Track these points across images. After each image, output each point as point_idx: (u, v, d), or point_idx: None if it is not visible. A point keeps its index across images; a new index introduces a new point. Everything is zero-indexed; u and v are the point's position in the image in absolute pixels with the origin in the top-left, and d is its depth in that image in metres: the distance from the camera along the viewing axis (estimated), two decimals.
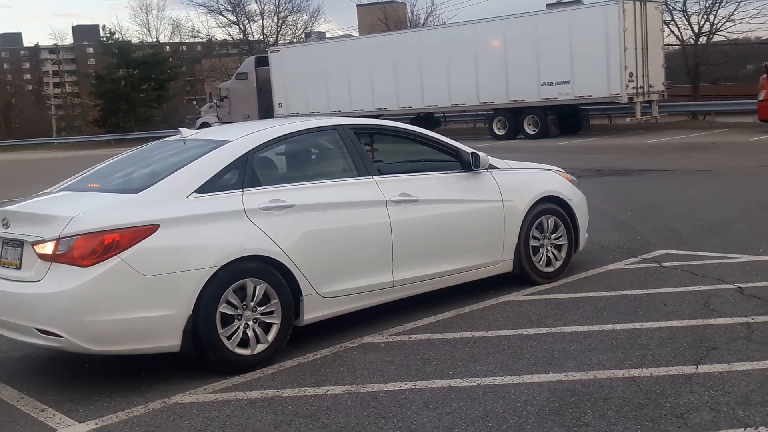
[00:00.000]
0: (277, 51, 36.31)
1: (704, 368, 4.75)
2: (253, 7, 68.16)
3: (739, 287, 6.50)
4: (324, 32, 57.90)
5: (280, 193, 5.56)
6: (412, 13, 59.82)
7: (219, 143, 5.73)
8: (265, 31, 58.12)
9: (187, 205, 5.17)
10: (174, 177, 5.32)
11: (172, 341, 4.96)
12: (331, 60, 33.27)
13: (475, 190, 6.71)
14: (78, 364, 5.47)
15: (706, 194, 12.23)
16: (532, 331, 5.74)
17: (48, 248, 4.85)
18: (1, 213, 5.32)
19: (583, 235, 7.56)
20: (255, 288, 5.25)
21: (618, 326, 5.71)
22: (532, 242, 7.03)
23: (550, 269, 7.18)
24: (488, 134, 29.93)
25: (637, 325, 5.70)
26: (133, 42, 60.10)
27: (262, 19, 57.66)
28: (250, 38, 57.40)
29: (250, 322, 5.23)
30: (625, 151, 20.85)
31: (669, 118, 29.61)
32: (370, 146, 7.13)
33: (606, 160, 18.51)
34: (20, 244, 5.09)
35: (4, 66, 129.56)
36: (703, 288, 6.57)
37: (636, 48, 25.98)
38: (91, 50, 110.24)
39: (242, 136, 5.81)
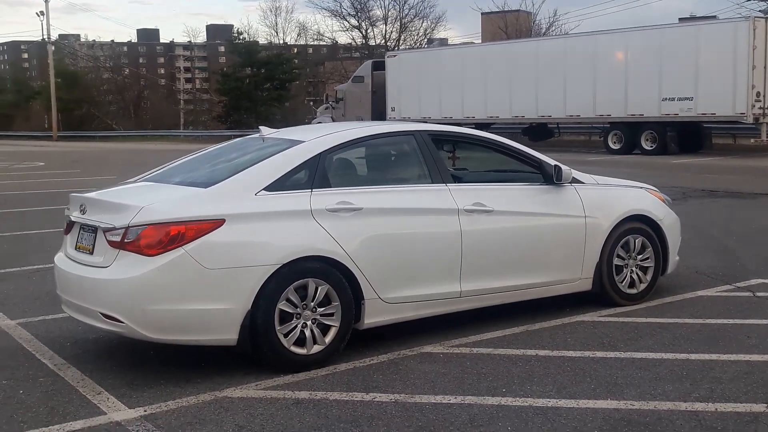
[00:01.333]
0: (394, 56, 36.57)
1: None
2: (377, 12, 68.83)
3: None
4: (446, 39, 57.99)
5: (349, 196, 5.55)
6: (534, 23, 58.97)
7: (294, 143, 5.78)
8: (386, 36, 58.73)
9: (254, 202, 5.22)
10: (244, 174, 5.40)
11: (230, 335, 5.02)
12: (446, 66, 33.26)
13: (556, 204, 6.50)
14: (144, 351, 5.61)
15: None
16: (600, 354, 5.51)
17: (117, 236, 5.00)
18: (81, 199, 5.53)
19: (673, 258, 7.21)
20: (317, 288, 5.25)
21: (693, 356, 5.40)
22: (616, 261, 6.76)
23: (634, 291, 6.88)
24: (603, 148, 29.18)
25: (713, 356, 5.38)
26: (261, 42, 62.02)
27: (385, 24, 58.30)
28: (372, 43, 58.05)
29: (309, 322, 5.23)
30: (744, 173, 19.88)
31: None
32: (452, 154, 7.06)
33: (722, 181, 17.70)
34: (94, 230, 5.27)
35: (140, 60, 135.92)
36: None
37: (765, 67, 24.73)
38: (222, 49, 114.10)
39: (317, 137, 5.83)
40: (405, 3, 59.52)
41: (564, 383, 4.92)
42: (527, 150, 6.64)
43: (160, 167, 6.32)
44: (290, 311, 5.17)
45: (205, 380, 5.04)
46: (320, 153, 5.63)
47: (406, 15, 58.85)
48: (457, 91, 32.60)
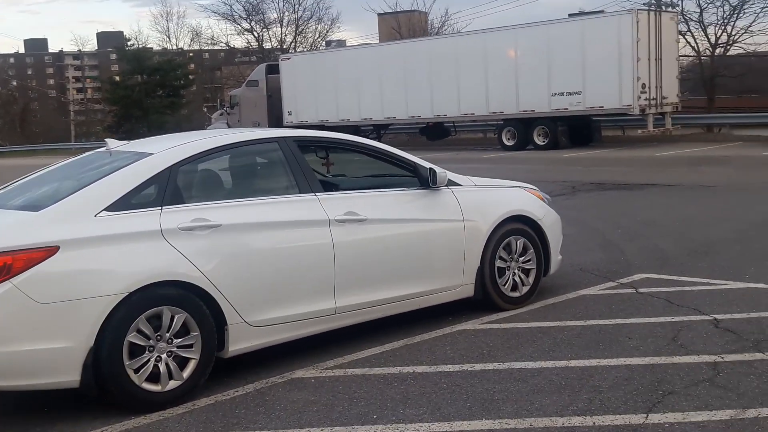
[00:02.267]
0: (288, 59, 36.00)
1: (655, 417, 4.24)
2: (273, 15, 67.95)
3: (715, 319, 5.97)
4: (344, 41, 57.65)
5: (206, 212, 5.12)
6: (428, 23, 59.30)
7: (141, 156, 5.31)
8: (281, 39, 58.01)
9: (93, 225, 4.73)
10: (81, 194, 4.89)
11: (71, 376, 4.52)
12: (340, 68, 32.92)
13: (433, 209, 6.23)
14: None
15: (705, 212, 11.65)
16: (478, 366, 5.25)
17: None
18: None
19: (555, 258, 7.06)
20: (172, 317, 4.80)
21: (573, 362, 5.21)
22: (498, 264, 6.55)
23: (516, 294, 6.68)
24: (498, 145, 29.40)
25: (593, 362, 5.19)
26: (154, 49, 60.23)
27: (280, 26, 57.56)
28: (267, 46, 57.27)
29: (164, 355, 4.78)
30: (632, 164, 20.26)
31: (683, 131, 28.90)
32: (325, 160, 6.72)
33: (611, 173, 17.95)
34: None
35: (28, 71, 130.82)
36: (675, 319, 6.04)
37: (650, 59, 25.32)
38: (114, 56, 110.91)
39: (167, 149, 5.38)
40: (300, 5, 58.96)
41: (439, 404, 4.63)
42: (401, 153, 6.34)
43: (3, 186, 5.75)
44: (141, 344, 4.71)
45: (30, 424, 4.53)
46: (170, 166, 5.17)
47: (301, 17, 58.28)
48: (353, 93, 32.30)
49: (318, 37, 58.57)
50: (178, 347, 4.84)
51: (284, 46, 56.62)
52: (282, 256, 5.37)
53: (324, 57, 36.04)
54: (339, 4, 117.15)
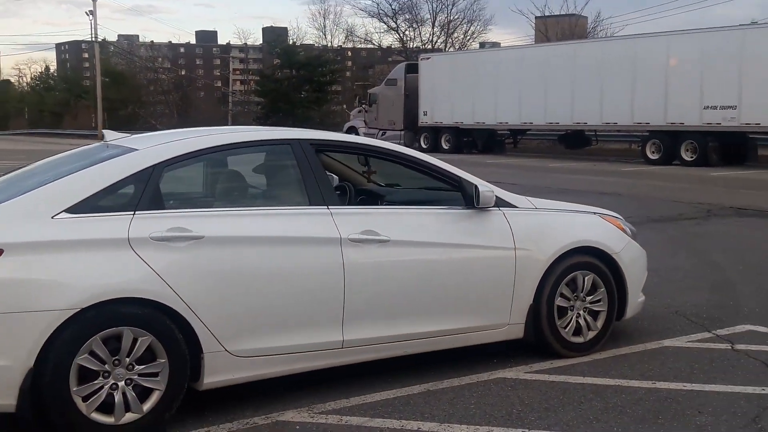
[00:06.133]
0: (427, 58, 35.31)
1: None
2: (424, 14, 67.79)
3: None
4: (499, 43, 56.48)
5: (187, 220, 4.43)
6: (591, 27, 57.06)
7: (126, 152, 4.69)
8: (432, 39, 57.56)
9: (47, 228, 4.13)
10: (39, 192, 4.30)
11: (6, 399, 3.96)
12: (479, 70, 31.96)
13: (476, 233, 5.30)
14: None
15: None
16: (497, 430, 4.31)
17: None
18: None
19: (634, 300, 5.95)
20: (135, 340, 4.16)
21: None
22: (559, 302, 5.55)
23: (579, 339, 5.65)
24: (640, 157, 27.52)
25: None
26: (311, 45, 61.25)
27: (432, 27, 57.16)
28: (413, 45, 56.98)
29: (121, 383, 4.15)
30: None
31: None
32: (366, 168, 5.95)
33: (756, 197, 16.11)
34: None
35: (197, 61, 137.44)
36: (766, 391, 4.84)
37: None
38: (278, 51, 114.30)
39: (154, 146, 4.73)
40: (453, 5, 58.36)
41: None
42: (442, 165, 5.43)
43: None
44: (95, 368, 4.09)
45: None
46: (154, 165, 4.50)
47: (455, 19, 57.66)
48: (490, 95, 31.25)
49: (468, 39, 57.78)
50: (139, 375, 4.20)
51: (434, 46, 56.13)
52: (278, 277, 4.60)
53: (463, 58, 35.20)
54: (492, 5, 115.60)
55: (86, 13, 64.22)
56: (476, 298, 5.29)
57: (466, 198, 5.31)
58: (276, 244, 4.62)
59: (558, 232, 5.61)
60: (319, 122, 50.25)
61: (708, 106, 24.79)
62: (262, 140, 5.07)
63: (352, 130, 38.02)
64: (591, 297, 5.69)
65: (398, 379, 5.09)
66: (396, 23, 55.81)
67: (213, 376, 4.44)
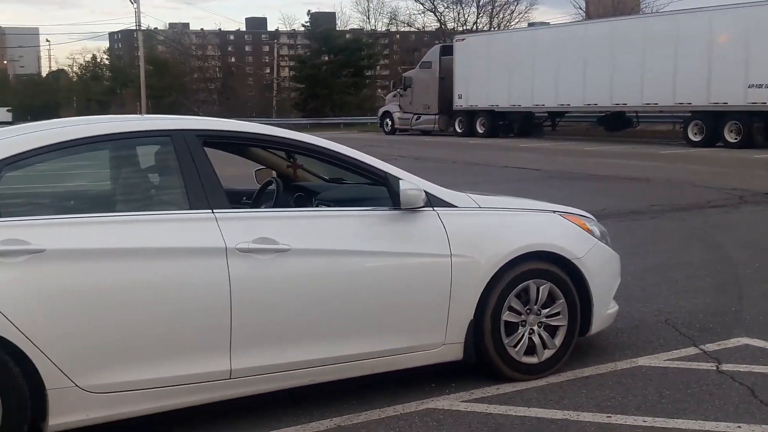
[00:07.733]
0: (462, 39, 34.33)
1: None
2: None
3: None
4: (548, 23, 54.96)
5: (26, 230, 3.73)
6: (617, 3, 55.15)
7: None
8: (476, 20, 56.40)
9: None
10: None
11: None
12: (515, 50, 30.91)
13: (403, 238, 4.51)
14: None
15: None
16: None
17: None
18: None
19: (603, 311, 5.12)
20: None
21: None
22: (507, 317, 4.75)
23: (533, 360, 4.84)
24: (682, 139, 26.22)
25: None
26: (360, 29, 60.48)
27: (477, 7, 55.99)
28: (458, 27, 55.88)
29: None
30: None
31: None
32: (291, 162, 5.22)
33: None
34: None
35: (246, 48, 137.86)
36: (742, 427, 4.00)
37: None
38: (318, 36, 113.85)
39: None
40: None
41: None
42: (362, 158, 4.61)
43: None
44: None
45: None
46: None
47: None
48: (526, 76, 30.18)
49: (516, 20, 56.49)
50: None
51: (478, 27, 54.96)
52: (145, 297, 3.88)
53: (498, 38, 34.10)
54: None
55: (130, 1, 64.50)
56: (403, 315, 4.51)
57: (393, 197, 4.53)
58: (142, 257, 3.90)
59: (505, 235, 4.80)
60: (357, 107, 49.53)
61: (753, 85, 23.49)
62: (130, 132, 4.27)
63: (387, 115, 37.26)
64: (547, 310, 4.87)
65: (306, 411, 4.37)
66: (433, 4, 54.73)
67: (60, 417, 3.73)
